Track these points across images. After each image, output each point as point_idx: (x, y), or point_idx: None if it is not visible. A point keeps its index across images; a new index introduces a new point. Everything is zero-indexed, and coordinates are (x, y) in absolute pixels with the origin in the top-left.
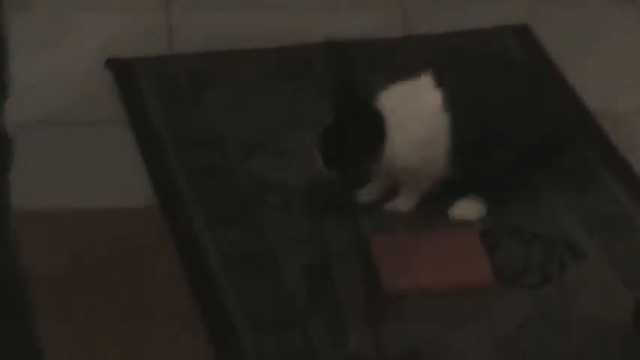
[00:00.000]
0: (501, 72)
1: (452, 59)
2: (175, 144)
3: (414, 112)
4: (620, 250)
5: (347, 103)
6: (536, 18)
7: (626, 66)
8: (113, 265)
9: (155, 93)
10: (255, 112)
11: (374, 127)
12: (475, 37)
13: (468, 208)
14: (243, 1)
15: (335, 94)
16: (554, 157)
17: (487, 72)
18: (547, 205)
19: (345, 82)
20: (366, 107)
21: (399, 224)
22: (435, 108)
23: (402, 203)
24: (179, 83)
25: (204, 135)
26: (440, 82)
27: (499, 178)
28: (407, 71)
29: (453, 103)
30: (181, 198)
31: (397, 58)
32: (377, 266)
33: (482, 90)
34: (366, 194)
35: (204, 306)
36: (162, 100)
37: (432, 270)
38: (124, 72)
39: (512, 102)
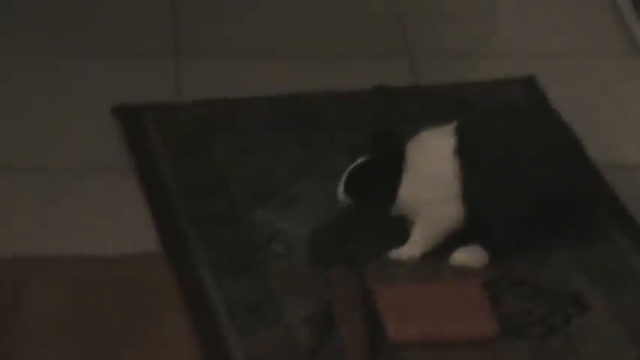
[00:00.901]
0: (520, 125)
1: (471, 110)
2: (182, 191)
3: (427, 155)
4: (624, 303)
5: (381, 145)
6: (542, 70)
7: (631, 118)
8: (119, 311)
9: (162, 140)
10: (262, 160)
11: (394, 168)
12: (482, 88)
13: (469, 256)
14: (252, 49)
15: (374, 135)
16: (569, 217)
17: (506, 123)
18: (551, 257)
19: (385, 125)
20: (393, 149)
21: (402, 273)
22: (446, 152)
23: (408, 250)
24: (187, 130)
25: (211, 182)
26: (458, 130)
27: (507, 231)
28: (412, 121)
29: (467, 151)
30: (187, 245)
31: (403, 108)
32: (382, 315)
33: (499, 141)
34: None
35: (209, 353)
36: (170, 147)
37: (437, 320)
38: (132, 119)
39: (527, 155)
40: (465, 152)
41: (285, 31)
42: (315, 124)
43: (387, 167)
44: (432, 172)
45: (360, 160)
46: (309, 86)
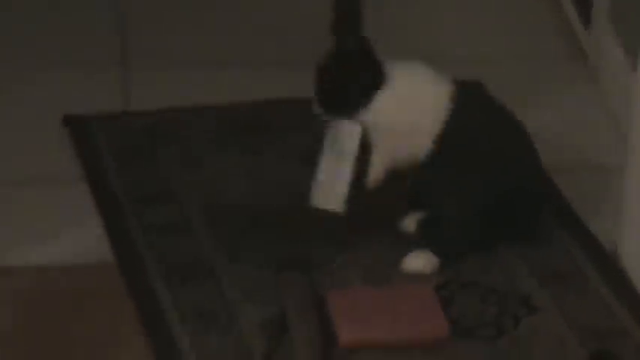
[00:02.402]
0: (491, 122)
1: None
2: (132, 201)
3: (419, 85)
4: (572, 304)
5: (349, 44)
6: (488, 74)
7: (576, 121)
8: (72, 321)
9: (112, 150)
10: (210, 168)
11: (370, 76)
12: None
13: (420, 261)
14: (198, 59)
15: (338, 31)
16: (518, 217)
17: (486, 118)
18: (501, 259)
19: (350, 21)
20: (366, 54)
21: (354, 278)
22: (441, 93)
23: (372, 174)
24: (135, 140)
25: (160, 192)
26: (456, 91)
27: (457, 232)
28: None
29: (456, 115)
30: (138, 255)
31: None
32: (333, 320)
33: (478, 133)
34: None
35: None
36: (119, 157)
37: (388, 324)
38: (81, 129)
39: (487, 153)
40: (454, 114)
41: (230, 41)
42: (263, 132)
43: (362, 74)
44: (421, 105)
45: (328, 62)
46: (255, 94)
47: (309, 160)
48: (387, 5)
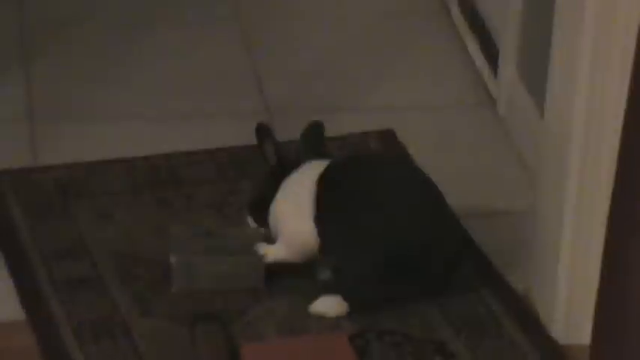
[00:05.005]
0: (387, 173)
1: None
2: (43, 256)
3: (300, 176)
4: (487, 349)
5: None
6: (400, 123)
7: (488, 167)
8: None
9: (21, 205)
10: (122, 222)
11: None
12: (341, 142)
13: (327, 304)
14: (108, 112)
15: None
16: (429, 268)
17: (374, 170)
18: (416, 306)
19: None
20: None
21: (269, 328)
22: (313, 178)
23: (274, 252)
24: (45, 195)
25: (71, 247)
26: (330, 163)
27: (358, 278)
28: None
29: (328, 184)
30: (49, 311)
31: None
32: None
33: (364, 186)
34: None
35: None
36: (29, 212)
37: None
38: None
39: (389, 204)
40: (325, 184)
41: (141, 92)
42: (175, 185)
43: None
44: (294, 190)
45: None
46: (166, 147)
47: (222, 212)
48: (300, 53)
